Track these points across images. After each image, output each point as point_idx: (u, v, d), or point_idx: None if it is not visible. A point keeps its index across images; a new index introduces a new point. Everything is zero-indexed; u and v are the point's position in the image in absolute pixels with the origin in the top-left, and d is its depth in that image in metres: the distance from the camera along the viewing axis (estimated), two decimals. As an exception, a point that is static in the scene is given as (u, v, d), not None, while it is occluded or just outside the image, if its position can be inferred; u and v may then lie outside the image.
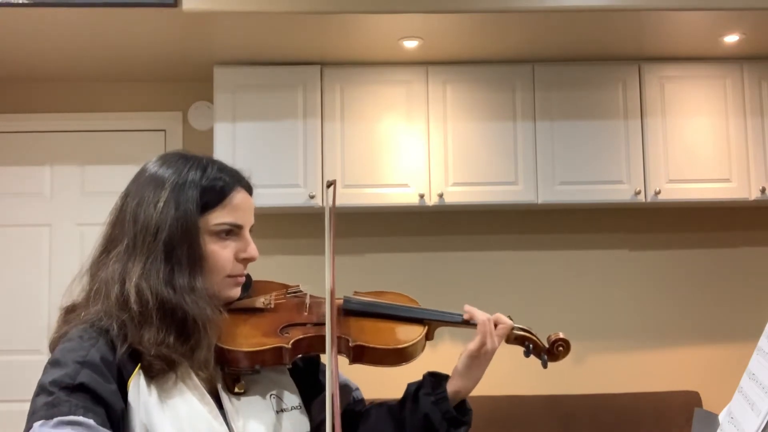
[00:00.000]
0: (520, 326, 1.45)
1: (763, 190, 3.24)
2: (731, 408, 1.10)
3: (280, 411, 1.26)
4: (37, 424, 0.99)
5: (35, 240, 3.57)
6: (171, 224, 1.17)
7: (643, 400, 3.36)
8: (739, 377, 1.11)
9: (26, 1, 2.68)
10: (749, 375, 1.08)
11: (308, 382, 1.37)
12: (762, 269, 3.62)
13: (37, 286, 3.53)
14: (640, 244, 3.62)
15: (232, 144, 3.23)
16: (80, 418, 1.00)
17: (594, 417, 3.32)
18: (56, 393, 1.03)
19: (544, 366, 1.45)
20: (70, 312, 1.19)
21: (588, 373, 3.53)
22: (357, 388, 1.44)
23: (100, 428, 1.02)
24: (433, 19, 2.85)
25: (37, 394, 1.05)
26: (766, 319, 1.21)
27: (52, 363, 1.09)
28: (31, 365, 3.42)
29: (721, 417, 1.14)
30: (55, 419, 1.00)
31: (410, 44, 3.10)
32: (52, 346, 1.16)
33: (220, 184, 1.23)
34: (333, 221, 1.32)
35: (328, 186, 1.38)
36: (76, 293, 1.21)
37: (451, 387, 1.37)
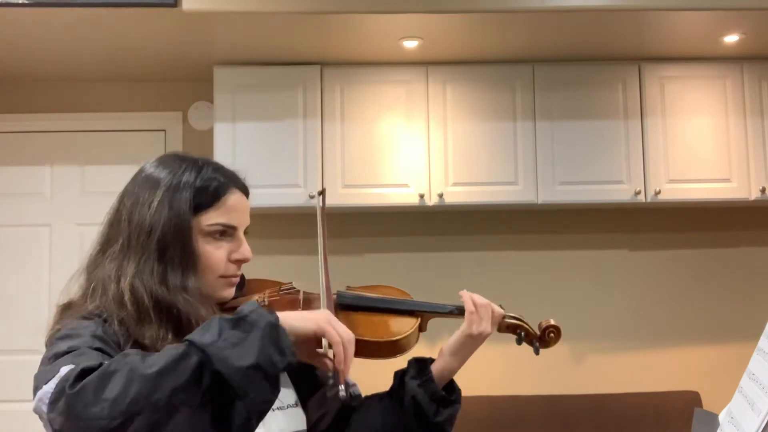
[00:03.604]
0: (512, 314, 1.48)
1: (763, 190, 3.24)
2: (731, 408, 1.10)
3: (276, 408, 1.26)
4: (65, 368, 0.97)
5: (35, 240, 3.57)
6: (164, 224, 1.18)
7: (643, 400, 3.35)
8: (739, 377, 1.11)
9: (26, 1, 2.68)
10: (749, 375, 1.08)
11: (304, 379, 1.38)
12: (762, 269, 3.62)
13: (37, 286, 3.53)
14: (640, 244, 3.62)
15: (232, 144, 3.23)
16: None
17: (594, 417, 3.32)
18: (81, 347, 1.03)
19: (536, 353, 1.48)
20: (66, 309, 1.20)
21: (588, 373, 3.53)
22: (354, 384, 1.45)
23: None
24: (433, 19, 2.85)
25: (52, 362, 1.02)
26: (766, 319, 1.21)
27: (63, 337, 1.08)
28: (31, 365, 3.41)
29: (721, 417, 1.14)
30: (84, 364, 0.97)
31: (410, 44, 3.10)
32: (49, 342, 1.16)
33: (214, 184, 1.23)
34: (325, 229, 1.36)
35: (319, 194, 1.44)
36: (74, 291, 1.22)
37: (436, 366, 1.40)
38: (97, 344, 1.05)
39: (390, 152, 3.26)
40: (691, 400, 3.35)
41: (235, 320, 0.99)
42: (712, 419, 1.17)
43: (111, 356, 1.04)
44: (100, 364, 0.95)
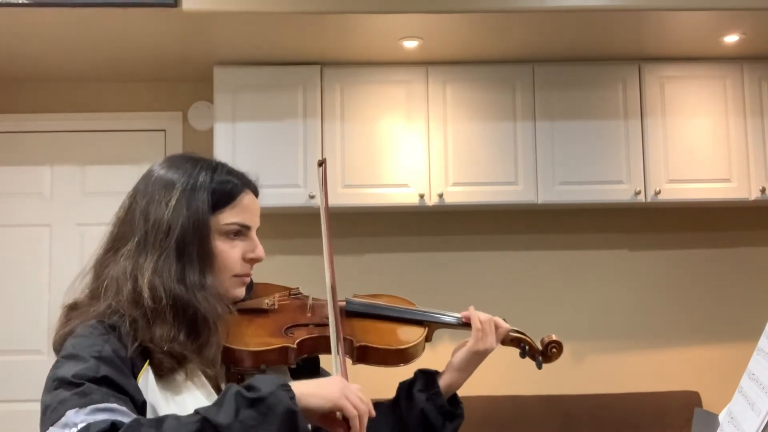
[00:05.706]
0: (516, 329, 1.50)
1: (763, 190, 3.25)
2: (731, 408, 1.10)
3: None
4: (71, 412, 0.97)
5: (35, 240, 3.57)
6: (183, 223, 1.19)
7: (643, 400, 3.36)
8: (739, 377, 1.11)
9: (26, 1, 2.68)
10: (749, 375, 1.08)
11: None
12: (762, 269, 3.62)
13: (37, 286, 3.53)
14: (640, 244, 3.62)
15: (232, 144, 3.23)
16: (114, 405, 1.00)
17: (594, 417, 3.32)
18: (85, 383, 1.02)
19: (539, 367, 1.50)
20: (72, 309, 1.19)
21: (588, 373, 3.53)
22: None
23: (133, 414, 1.02)
24: (433, 19, 2.85)
25: (56, 387, 1.03)
26: (766, 319, 1.21)
27: (68, 357, 1.08)
28: (32, 365, 3.43)
29: (721, 417, 1.14)
30: (90, 407, 0.98)
31: (410, 44, 3.10)
32: (57, 344, 1.16)
33: (229, 186, 1.25)
34: (326, 200, 1.36)
35: (319, 165, 1.43)
36: (79, 291, 1.21)
37: (444, 381, 1.42)
38: (103, 371, 1.05)
39: (390, 152, 3.26)
40: (691, 400, 3.35)
41: (251, 399, 0.99)
42: (712, 419, 1.17)
43: (117, 384, 1.04)
44: (112, 426, 0.96)
